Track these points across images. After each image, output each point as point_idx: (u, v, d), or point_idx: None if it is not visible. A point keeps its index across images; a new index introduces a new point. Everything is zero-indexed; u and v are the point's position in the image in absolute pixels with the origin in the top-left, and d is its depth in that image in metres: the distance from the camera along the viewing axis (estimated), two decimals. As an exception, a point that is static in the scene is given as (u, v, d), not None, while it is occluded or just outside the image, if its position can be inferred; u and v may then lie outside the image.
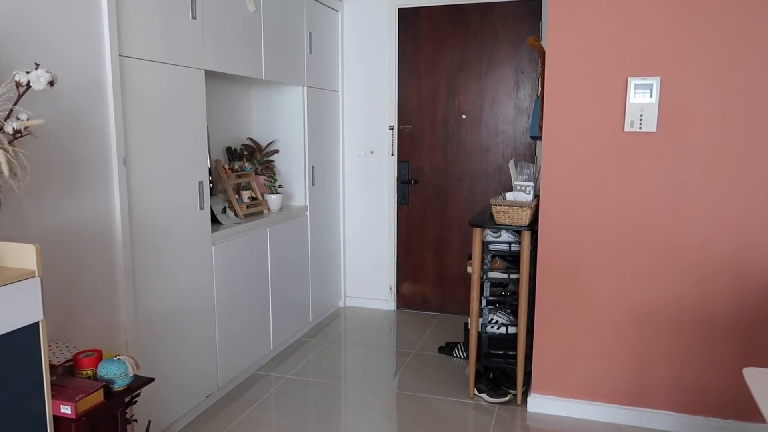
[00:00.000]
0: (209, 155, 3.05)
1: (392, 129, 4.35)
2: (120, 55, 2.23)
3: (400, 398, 3.08)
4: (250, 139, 3.79)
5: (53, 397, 1.67)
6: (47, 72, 1.58)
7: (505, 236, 3.01)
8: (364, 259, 4.56)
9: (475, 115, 4.18)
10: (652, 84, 2.55)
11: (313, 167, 3.95)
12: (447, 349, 3.69)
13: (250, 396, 3.09)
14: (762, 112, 2.47)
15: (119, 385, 1.86)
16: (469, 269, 3.11)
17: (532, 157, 4.10)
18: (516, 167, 3.18)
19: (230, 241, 3.04)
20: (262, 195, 3.57)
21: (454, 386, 3.22)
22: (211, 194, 3.12)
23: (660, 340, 2.72)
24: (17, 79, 1.58)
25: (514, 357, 3.05)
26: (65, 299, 2.05)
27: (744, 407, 2.65)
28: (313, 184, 3.98)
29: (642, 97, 2.58)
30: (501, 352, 3.09)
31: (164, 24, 2.46)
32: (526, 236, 2.87)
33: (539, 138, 3.22)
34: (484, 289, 3.05)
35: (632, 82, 2.57)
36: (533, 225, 2.91)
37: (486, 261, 3.03)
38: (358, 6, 4.28)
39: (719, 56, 2.48)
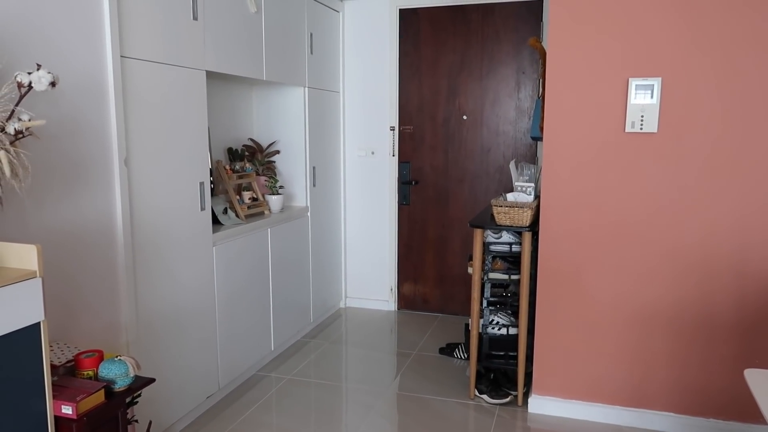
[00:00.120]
0: (210, 156, 3.06)
1: (393, 129, 4.35)
2: (121, 56, 2.23)
3: (400, 399, 3.08)
4: (251, 139, 3.79)
5: (54, 397, 1.67)
6: (49, 73, 1.58)
7: (506, 237, 3.01)
8: (365, 260, 4.56)
9: (476, 116, 4.19)
10: (653, 85, 2.55)
11: (314, 168, 3.95)
12: (448, 349, 3.69)
13: (251, 397, 3.09)
14: (763, 113, 2.47)
15: (120, 385, 1.86)
16: (469, 270, 3.11)
17: (532, 158, 4.10)
18: (517, 168, 3.18)
19: (231, 242, 3.04)
20: (263, 196, 3.57)
21: (454, 387, 3.22)
22: (212, 195, 3.12)
23: (661, 341, 2.71)
24: (19, 80, 1.58)
25: (515, 358, 3.05)
26: (66, 299, 2.06)
27: (745, 408, 2.65)
28: (314, 185, 3.98)
29: (643, 98, 2.57)
30: (502, 353, 3.09)
31: (165, 25, 2.47)
32: (527, 237, 2.87)
33: (540, 139, 3.22)
34: (485, 289, 3.05)
35: (633, 82, 2.57)
36: (534, 226, 2.91)
37: (487, 262, 3.03)
38: (359, 7, 4.28)
39: (720, 57, 2.48)
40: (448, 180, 4.31)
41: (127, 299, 2.31)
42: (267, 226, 3.39)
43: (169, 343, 2.59)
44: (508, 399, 3.02)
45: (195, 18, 2.65)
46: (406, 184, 4.39)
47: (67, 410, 1.67)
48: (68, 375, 1.86)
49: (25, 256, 1.55)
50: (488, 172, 4.22)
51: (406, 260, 4.49)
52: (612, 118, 2.64)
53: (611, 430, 2.76)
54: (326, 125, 4.13)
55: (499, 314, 3.09)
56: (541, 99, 2.99)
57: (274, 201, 3.58)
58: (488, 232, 3.03)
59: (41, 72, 1.58)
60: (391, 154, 4.37)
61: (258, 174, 3.65)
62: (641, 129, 2.59)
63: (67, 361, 1.88)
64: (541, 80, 3.19)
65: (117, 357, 1.90)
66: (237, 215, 3.24)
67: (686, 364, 2.70)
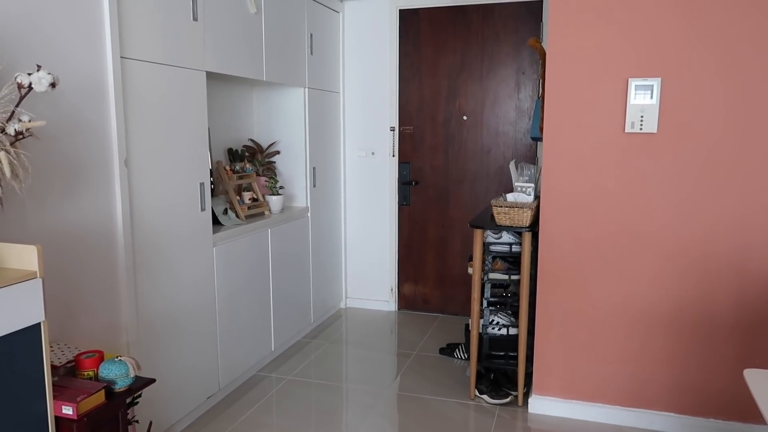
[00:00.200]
0: (210, 156, 3.06)
1: (393, 130, 4.35)
2: (121, 57, 2.24)
3: (401, 399, 3.08)
4: (252, 140, 3.80)
5: (55, 397, 1.68)
6: (49, 74, 1.59)
7: (506, 237, 3.01)
8: (365, 260, 4.56)
9: (476, 117, 4.19)
10: (652, 85, 2.55)
11: (314, 168, 3.95)
12: (448, 350, 3.69)
13: (252, 397, 3.09)
14: (763, 113, 2.47)
15: (120, 385, 1.86)
16: (470, 270, 3.11)
17: (532, 159, 4.10)
18: (517, 168, 3.18)
19: (231, 242, 3.04)
20: (263, 196, 3.57)
21: (455, 387, 3.22)
22: (212, 195, 3.12)
23: (661, 341, 2.71)
24: (19, 81, 1.58)
25: (515, 358, 3.05)
26: (67, 300, 2.06)
27: (745, 408, 2.65)
28: (314, 185, 3.98)
29: (643, 98, 2.58)
30: (502, 353, 3.09)
31: (165, 25, 2.47)
32: (527, 237, 2.87)
33: (540, 139, 3.22)
34: (485, 290, 3.05)
35: (633, 83, 2.57)
36: (534, 226, 2.91)
37: (487, 262, 3.03)
38: (359, 7, 4.29)
39: (720, 57, 2.48)
40: (448, 180, 4.31)
41: (127, 300, 2.31)
42: (267, 226, 3.39)
43: (169, 344, 2.59)
44: (508, 399, 3.02)
45: (195, 19, 2.66)
46: (407, 185, 4.39)
47: (67, 411, 1.67)
48: (69, 375, 1.86)
49: (26, 256, 1.55)
50: (488, 173, 4.22)
51: (407, 260, 4.49)
52: (612, 118, 2.64)
53: (611, 430, 2.76)
54: (326, 126, 4.13)
55: (499, 314, 3.09)
56: (541, 99, 2.99)
57: (274, 201, 3.58)
58: (488, 232, 3.04)
59: (41, 73, 1.58)
60: (392, 154, 4.37)
61: (258, 174, 3.66)
62: (641, 129, 2.60)
63: (68, 362, 1.88)
64: (540, 81, 3.20)
65: (117, 357, 1.90)
66: (237, 216, 3.24)
67: (686, 364, 2.70)
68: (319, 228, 4.10)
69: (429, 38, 4.21)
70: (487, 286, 3.05)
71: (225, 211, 3.17)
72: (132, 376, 1.90)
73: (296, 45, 3.66)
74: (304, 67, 3.76)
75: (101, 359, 1.90)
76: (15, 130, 1.56)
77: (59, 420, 1.68)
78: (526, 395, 3.07)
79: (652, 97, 2.56)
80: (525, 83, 4.06)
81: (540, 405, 2.92)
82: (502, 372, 3.18)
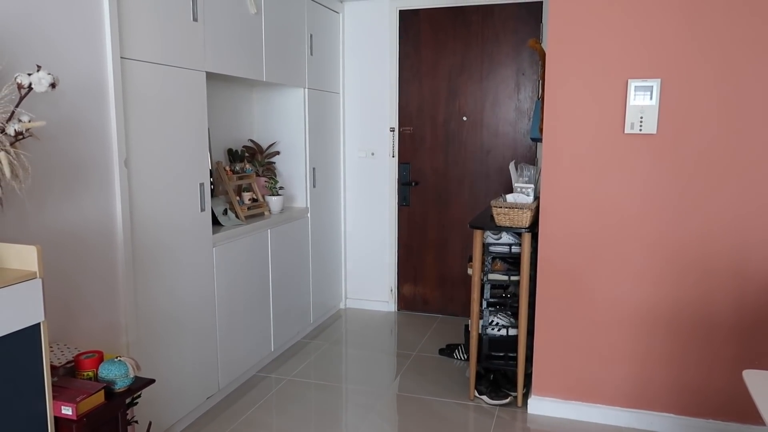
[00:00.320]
0: (210, 157, 3.06)
1: (393, 131, 4.35)
2: (121, 57, 2.24)
3: (400, 400, 3.08)
4: (251, 140, 3.80)
5: (54, 398, 1.68)
6: (49, 74, 1.59)
7: (506, 238, 3.02)
8: (365, 261, 4.56)
9: (475, 117, 4.19)
10: (652, 86, 2.55)
11: (314, 169, 3.96)
12: (447, 350, 3.69)
13: (251, 397, 3.09)
14: (761, 114, 2.47)
15: (120, 386, 1.87)
16: (469, 271, 3.11)
17: (532, 159, 4.10)
18: (516, 169, 3.18)
19: (231, 243, 3.04)
20: (263, 196, 3.58)
21: (454, 388, 3.22)
22: (212, 196, 3.12)
23: (660, 342, 2.72)
24: (19, 81, 1.58)
25: (515, 359, 3.05)
26: (66, 300, 2.06)
27: (744, 409, 2.65)
28: (314, 186, 3.99)
29: (642, 99, 2.58)
30: (501, 354, 3.09)
31: (165, 26, 2.47)
32: (527, 238, 2.87)
33: (540, 140, 3.22)
34: (485, 290, 3.05)
35: (632, 84, 2.58)
36: (534, 227, 2.91)
37: (486, 263, 3.03)
38: (359, 8, 4.29)
39: (720, 58, 2.48)
40: (448, 181, 4.31)
41: (127, 300, 2.31)
42: (267, 227, 3.39)
43: (169, 344, 2.59)
44: (507, 400, 3.02)
45: (195, 19, 2.66)
46: (406, 185, 4.39)
47: (67, 411, 1.67)
48: (68, 376, 1.86)
49: (26, 256, 1.55)
50: (488, 174, 4.22)
51: (406, 261, 4.49)
52: (611, 119, 2.64)
53: (611, 431, 2.76)
54: (326, 126, 4.13)
55: (498, 315, 3.09)
56: (541, 100, 2.99)
57: (274, 202, 3.58)
58: (488, 233, 3.04)
59: (41, 73, 1.58)
60: (391, 155, 4.37)
61: (258, 175, 3.66)
62: (640, 130, 2.60)
63: (67, 362, 1.88)
64: (540, 81, 3.20)
65: (117, 358, 1.91)
66: (237, 216, 3.24)
67: (685, 364, 2.70)
68: (319, 229, 4.10)
69: (429, 39, 4.21)
70: (487, 287, 3.06)
71: (225, 212, 3.17)
72: (131, 376, 1.90)
73: (296, 45, 3.66)
74: (304, 67, 3.76)
75: (101, 359, 1.90)
76: (15, 130, 1.56)
77: (59, 420, 1.68)
78: (526, 396, 3.07)
79: (651, 98, 2.56)
80: (525, 84, 4.06)
81: (539, 406, 2.92)
82: (502, 373, 3.18)
